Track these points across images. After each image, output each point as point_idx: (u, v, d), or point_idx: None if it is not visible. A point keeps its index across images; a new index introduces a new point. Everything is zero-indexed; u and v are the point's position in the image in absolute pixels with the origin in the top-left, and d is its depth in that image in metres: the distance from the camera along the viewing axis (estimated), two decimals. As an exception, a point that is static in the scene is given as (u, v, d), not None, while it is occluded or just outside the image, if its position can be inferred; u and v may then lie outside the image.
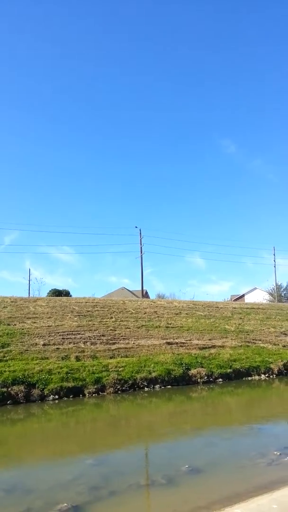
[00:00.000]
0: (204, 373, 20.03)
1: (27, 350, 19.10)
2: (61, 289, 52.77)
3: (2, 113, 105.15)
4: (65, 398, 16.19)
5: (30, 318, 23.64)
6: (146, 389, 18.06)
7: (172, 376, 19.11)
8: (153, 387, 18.29)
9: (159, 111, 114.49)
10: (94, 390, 16.96)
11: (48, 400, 15.91)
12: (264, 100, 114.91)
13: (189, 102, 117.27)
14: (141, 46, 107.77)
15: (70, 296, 45.13)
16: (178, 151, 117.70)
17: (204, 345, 23.49)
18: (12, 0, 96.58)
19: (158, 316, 28.00)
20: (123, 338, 22.65)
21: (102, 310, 27.35)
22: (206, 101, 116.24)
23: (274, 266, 62.87)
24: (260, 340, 26.41)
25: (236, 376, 20.96)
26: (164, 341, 23.01)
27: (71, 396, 16.38)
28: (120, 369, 18.55)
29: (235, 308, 34.66)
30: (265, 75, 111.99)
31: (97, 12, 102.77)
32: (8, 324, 21.99)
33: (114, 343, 21.71)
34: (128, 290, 65.94)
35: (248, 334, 27.14)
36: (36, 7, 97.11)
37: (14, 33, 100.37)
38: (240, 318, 31.10)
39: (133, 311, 28.35)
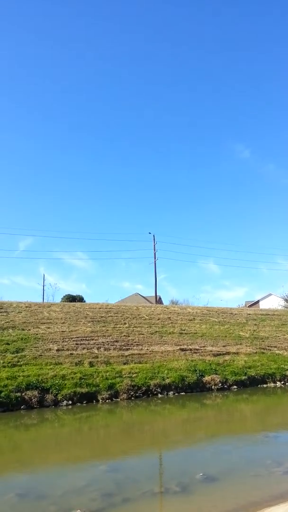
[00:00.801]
0: (218, 380, 19.83)
1: (41, 355, 19.20)
2: (74, 294, 53.01)
3: (18, 116, 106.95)
4: (79, 404, 16.19)
5: (44, 323, 23.79)
6: (159, 395, 17.95)
7: (186, 382, 18.96)
8: (167, 394, 18.17)
9: (172, 116, 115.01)
10: (107, 396, 16.93)
11: (62, 405, 15.93)
12: (278, 105, 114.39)
13: (202, 107, 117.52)
14: (150, 47, 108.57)
15: (84, 301, 45.30)
16: (192, 156, 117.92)
17: (218, 351, 23.27)
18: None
19: (171, 322, 27.88)
20: (137, 344, 22.60)
21: (116, 316, 27.37)
22: (220, 106, 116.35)
23: (289, 272, 62.12)
24: (275, 346, 26.05)
25: (251, 383, 20.68)
26: (178, 347, 22.87)
27: (84, 402, 16.38)
28: (133, 375, 18.48)
29: (249, 314, 34.29)
30: (279, 79, 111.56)
31: (100, 12, 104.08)
32: (23, 329, 22.16)
33: (127, 349, 21.67)
34: (141, 296, 65.89)
35: (263, 341, 26.79)
36: (37, 6, 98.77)
37: (15, 32, 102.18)
38: (255, 324, 30.74)
39: (147, 317, 28.29)
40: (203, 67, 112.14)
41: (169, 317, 29.10)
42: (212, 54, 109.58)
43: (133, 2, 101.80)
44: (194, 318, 29.92)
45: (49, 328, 23.03)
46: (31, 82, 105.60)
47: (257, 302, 73.29)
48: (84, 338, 22.10)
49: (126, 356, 20.77)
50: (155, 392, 18.07)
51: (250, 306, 66.54)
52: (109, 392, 17.10)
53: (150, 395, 17.88)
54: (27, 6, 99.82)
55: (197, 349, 23.11)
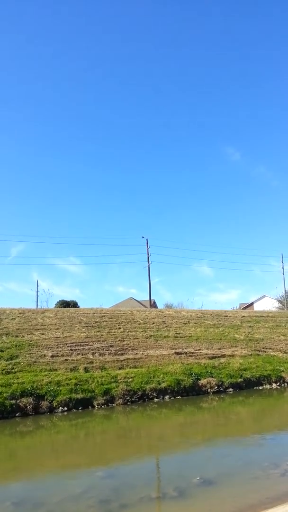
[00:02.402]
0: (214, 383, 19.81)
1: (36, 362, 19.06)
2: (68, 300, 52.79)
3: (11, 120, 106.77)
4: (74, 410, 16.07)
5: (38, 329, 23.63)
6: (155, 400, 17.88)
7: (181, 386, 18.92)
8: (163, 398, 18.10)
9: (163, 118, 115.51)
10: (103, 401, 16.83)
11: (57, 412, 15.81)
12: (268, 107, 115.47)
13: (193, 110, 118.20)
14: (142, 49, 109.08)
15: (78, 307, 45.14)
16: (183, 159, 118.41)
17: (213, 354, 23.27)
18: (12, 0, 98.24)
19: (166, 326, 27.85)
20: (132, 349, 22.53)
21: (110, 321, 27.28)
22: (210, 108, 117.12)
23: (283, 273, 62.58)
24: (270, 348, 26.12)
25: (246, 385, 20.70)
26: (173, 351, 22.84)
27: (80, 408, 16.26)
28: (129, 380, 18.41)
29: (244, 316, 34.38)
30: (269, 82, 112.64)
31: (98, 15, 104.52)
32: (17, 336, 22.00)
33: (122, 354, 21.59)
34: (135, 300, 65.81)
35: (258, 343, 26.85)
36: (37, 7, 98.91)
37: (14, 32, 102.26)
38: (250, 326, 30.82)
39: (141, 321, 28.23)
40: (200, 68, 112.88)
41: (164, 321, 29.07)
42: (200, 56, 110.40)
43: (133, 2, 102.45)
44: (188, 322, 29.92)
45: (43, 334, 22.88)
46: (29, 83, 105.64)
47: (251, 304, 73.55)
48: (79, 344, 21.98)
49: (121, 361, 20.69)
50: (151, 397, 18.00)
51: (245, 308, 66.77)
52: (104, 398, 17.00)
53: (146, 399, 17.81)
54: (27, 7, 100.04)
55: (192, 353, 23.09)
